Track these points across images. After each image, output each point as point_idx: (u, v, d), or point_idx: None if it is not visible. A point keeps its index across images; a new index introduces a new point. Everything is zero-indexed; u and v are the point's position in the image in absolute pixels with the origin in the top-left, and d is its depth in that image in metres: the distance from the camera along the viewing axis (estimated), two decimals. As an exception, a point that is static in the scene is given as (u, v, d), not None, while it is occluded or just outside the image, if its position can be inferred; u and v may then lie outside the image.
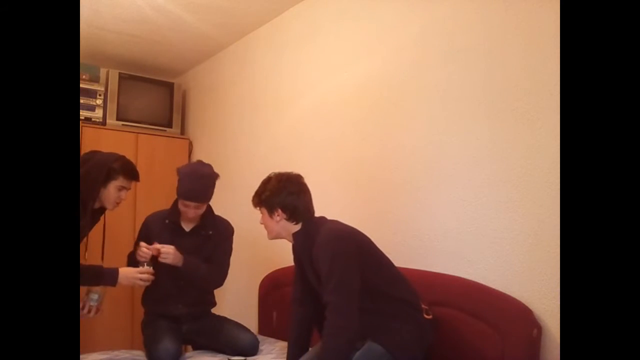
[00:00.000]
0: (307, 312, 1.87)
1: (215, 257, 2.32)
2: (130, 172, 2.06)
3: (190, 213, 2.24)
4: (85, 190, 1.92)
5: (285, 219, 1.76)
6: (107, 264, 2.07)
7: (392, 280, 1.70)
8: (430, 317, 1.68)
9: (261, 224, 1.84)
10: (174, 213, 2.30)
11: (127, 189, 2.06)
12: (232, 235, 2.43)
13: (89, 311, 2.03)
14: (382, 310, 1.64)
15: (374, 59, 2.28)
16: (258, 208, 1.83)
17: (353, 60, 2.39)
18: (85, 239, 2.12)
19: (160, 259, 2.12)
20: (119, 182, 2.01)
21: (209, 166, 2.29)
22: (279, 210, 1.75)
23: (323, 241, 1.66)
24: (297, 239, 1.78)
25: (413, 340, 1.62)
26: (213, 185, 2.28)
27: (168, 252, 2.13)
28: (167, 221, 2.31)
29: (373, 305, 1.63)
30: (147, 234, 2.32)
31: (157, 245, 2.13)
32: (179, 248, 2.24)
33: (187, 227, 2.33)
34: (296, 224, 1.77)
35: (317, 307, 1.75)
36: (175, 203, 2.31)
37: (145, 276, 2.03)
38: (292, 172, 1.81)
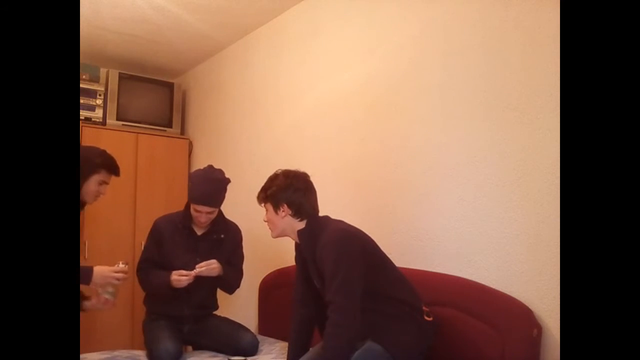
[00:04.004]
0: (309, 313, 1.87)
1: (233, 263, 2.37)
2: (112, 166, 2.04)
3: (203, 218, 2.25)
4: None
5: (291, 215, 1.76)
6: (106, 263, 2.05)
7: (394, 281, 1.70)
8: (430, 319, 1.68)
9: (265, 221, 1.84)
10: (186, 217, 2.30)
11: (107, 183, 2.04)
12: (242, 240, 2.47)
13: (105, 303, 1.99)
14: (383, 310, 1.64)
15: (374, 59, 2.28)
16: (263, 204, 1.83)
17: (353, 60, 2.39)
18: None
19: (212, 275, 2.18)
20: (100, 176, 1.99)
21: (220, 171, 2.30)
22: (285, 206, 1.75)
23: (328, 241, 1.66)
24: (302, 236, 1.77)
25: (413, 341, 1.62)
26: (225, 190, 2.30)
27: (213, 268, 2.18)
28: (180, 225, 2.31)
29: (374, 305, 1.63)
30: (159, 237, 2.32)
31: (198, 270, 2.14)
32: (192, 252, 2.25)
33: (199, 230, 2.33)
34: (301, 220, 1.77)
35: (319, 308, 1.75)
36: (188, 207, 2.31)
37: (120, 275, 1.96)
38: (298, 170, 1.82)
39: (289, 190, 1.75)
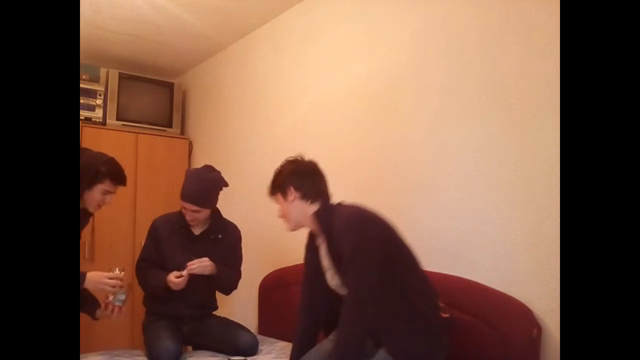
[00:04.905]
0: (314, 320, 1.82)
1: (231, 263, 2.36)
2: (117, 176, 1.94)
3: (188, 216, 2.24)
4: None
5: (300, 197, 1.70)
6: (105, 262, 2.05)
7: (413, 271, 1.63)
8: (447, 315, 1.61)
9: (280, 217, 1.79)
10: (183, 216, 2.30)
11: (112, 193, 1.95)
12: (241, 240, 2.45)
13: (112, 311, 1.95)
14: (398, 310, 1.55)
15: (374, 59, 2.28)
16: (273, 197, 1.78)
17: (352, 60, 2.39)
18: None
19: (204, 272, 2.17)
20: (105, 185, 1.90)
21: (217, 172, 2.28)
22: (292, 189, 1.70)
23: (347, 221, 1.59)
24: (317, 218, 1.69)
25: (427, 354, 1.54)
26: (215, 191, 2.28)
27: (206, 266, 2.17)
28: (176, 225, 2.31)
29: (390, 301, 1.55)
30: (157, 237, 2.32)
31: (190, 267, 2.14)
32: (189, 252, 2.25)
33: (196, 230, 2.33)
34: (312, 203, 1.71)
35: (331, 307, 1.72)
36: None
37: (113, 282, 1.89)
38: (304, 158, 1.78)
39: (294, 174, 1.71)
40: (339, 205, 1.72)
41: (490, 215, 1.77)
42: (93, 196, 1.90)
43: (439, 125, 1.97)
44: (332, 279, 1.72)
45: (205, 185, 2.22)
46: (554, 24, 1.60)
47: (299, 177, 1.71)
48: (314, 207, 1.71)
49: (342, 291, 1.66)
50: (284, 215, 1.78)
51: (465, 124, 1.87)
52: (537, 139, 1.64)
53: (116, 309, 1.95)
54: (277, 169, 1.79)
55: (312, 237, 1.84)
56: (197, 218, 2.26)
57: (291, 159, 1.78)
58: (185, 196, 2.20)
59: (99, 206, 1.95)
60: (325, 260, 1.74)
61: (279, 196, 1.75)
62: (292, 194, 1.70)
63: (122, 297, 1.95)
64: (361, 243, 1.54)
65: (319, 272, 1.77)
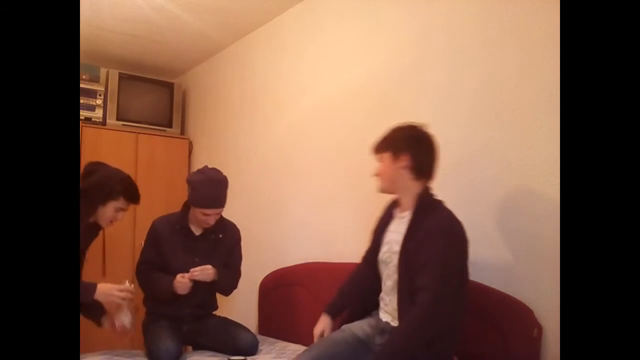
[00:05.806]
0: (360, 289, 1.80)
1: (231, 263, 2.36)
2: (132, 194, 2.02)
3: (211, 220, 2.25)
4: (83, 205, 1.87)
5: (409, 167, 1.59)
6: (108, 273, 2.04)
7: (463, 308, 1.58)
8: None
9: (376, 175, 1.69)
10: (183, 218, 2.30)
11: (125, 210, 2.02)
12: (241, 240, 2.45)
13: (121, 330, 1.97)
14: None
15: (374, 59, 2.28)
16: (380, 155, 1.67)
17: (352, 60, 2.39)
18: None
19: (207, 279, 2.17)
20: (118, 203, 1.98)
21: (218, 170, 2.30)
22: (407, 156, 1.58)
23: (451, 224, 1.53)
24: (420, 199, 1.60)
25: None
26: (227, 189, 2.30)
27: (208, 274, 2.17)
28: (177, 226, 2.31)
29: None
30: (157, 238, 2.32)
31: (192, 274, 2.14)
32: (190, 252, 2.25)
33: (196, 231, 2.33)
34: (416, 180, 1.61)
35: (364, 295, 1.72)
36: (186, 208, 2.31)
37: (123, 294, 1.91)
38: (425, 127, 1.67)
39: (416, 142, 1.61)
40: (438, 201, 1.63)
41: (490, 215, 1.77)
42: (106, 212, 1.96)
43: (439, 125, 1.96)
44: (385, 252, 1.68)
45: (220, 186, 2.24)
46: (554, 24, 1.60)
47: (419, 146, 1.61)
48: (415, 183, 1.61)
49: (388, 271, 1.64)
50: (382, 174, 1.67)
51: (465, 124, 1.87)
52: (537, 139, 1.64)
53: (123, 329, 1.97)
54: (394, 129, 1.67)
55: (391, 207, 1.77)
56: (216, 220, 2.28)
57: (412, 125, 1.65)
58: (207, 203, 2.20)
59: (111, 222, 2.01)
60: (392, 235, 1.68)
61: (388, 156, 1.63)
62: (405, 160, 1.59)
63: (127, 319, 1.97)
64: (458, 254, 1.53)
65: (378, 244, 1.73)
